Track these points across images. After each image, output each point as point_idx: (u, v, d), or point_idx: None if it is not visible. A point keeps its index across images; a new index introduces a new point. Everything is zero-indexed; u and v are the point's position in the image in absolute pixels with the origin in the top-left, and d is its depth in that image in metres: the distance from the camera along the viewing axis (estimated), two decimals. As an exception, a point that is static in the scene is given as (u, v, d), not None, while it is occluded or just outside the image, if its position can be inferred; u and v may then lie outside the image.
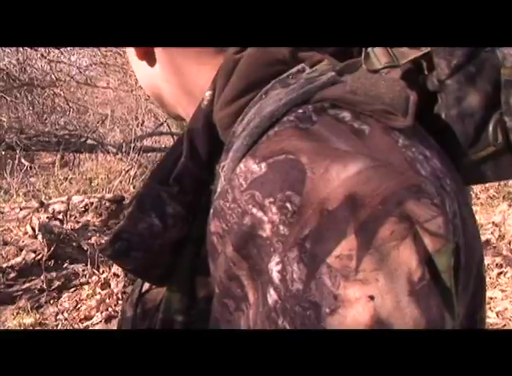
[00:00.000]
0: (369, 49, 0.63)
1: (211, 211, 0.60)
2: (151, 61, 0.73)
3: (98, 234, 5.33)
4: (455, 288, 0.54)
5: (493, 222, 4.74)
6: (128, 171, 7.46)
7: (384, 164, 0.53)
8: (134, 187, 7.13)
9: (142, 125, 9.65)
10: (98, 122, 9.73)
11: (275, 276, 0.51)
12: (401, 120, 0.57)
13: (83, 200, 5.83)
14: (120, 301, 4.39)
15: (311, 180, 0.52)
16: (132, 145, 7.81)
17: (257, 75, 0.65)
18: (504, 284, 4.06)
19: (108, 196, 6.02)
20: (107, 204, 5.84)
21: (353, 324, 0.49)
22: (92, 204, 5.78)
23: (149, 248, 0.70)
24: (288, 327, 0.50)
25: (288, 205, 0.51)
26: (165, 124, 9.54)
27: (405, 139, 0.57)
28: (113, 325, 4.02)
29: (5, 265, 4.66)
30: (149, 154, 8.79)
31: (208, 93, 0.68)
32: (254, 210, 0.53)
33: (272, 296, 0.51)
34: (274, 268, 0.51)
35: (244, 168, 0.56)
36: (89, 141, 8.59)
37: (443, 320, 0.52)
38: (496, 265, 4.18)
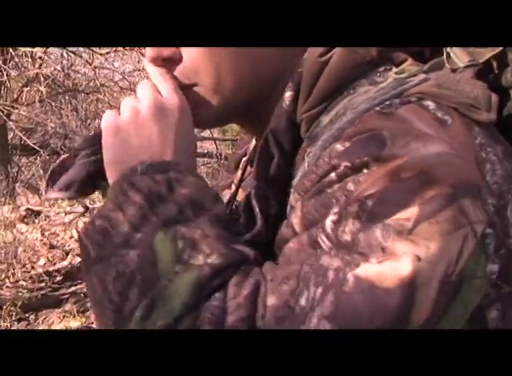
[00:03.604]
0: (449, 49, 0.65)
1: (292, 189, 0.64)
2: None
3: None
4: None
5: None
6: (171, 176, 7.48)
7: (460, 156, 0.55)
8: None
9: (184, 130, 9.68)
10: (140, 127, 9.81)
11: (328, 225, 0.54)
12: (485, 114, 0.59)
13: (127, 205, 5.87)
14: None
15: (390, 148, 0.54)
16: (175, 150, 7.83)
17: (346, 76, 0.67)
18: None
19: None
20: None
21: (391, 271, 0.50)
22: (137, 208, 5.80)
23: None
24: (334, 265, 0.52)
25: (364, 170, 0.54)
26: (207, 130, 9.56)
27: (483, 138, 0.58)
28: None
29: (51, 269, 4.71)
30: (192, 159, 8.81)
31: (289, 94, 0.69)
32: (329, 171, 0.56)
33: (325, 243, 0.54)
34: (330, 217, 0.54)
35: (329, 150, 0.59)
36: (132, 146, 8.65)
37: (457, 323, 0.53)
38: None
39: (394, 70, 0.67)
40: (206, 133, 9.70)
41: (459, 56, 0.63)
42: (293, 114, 0.69)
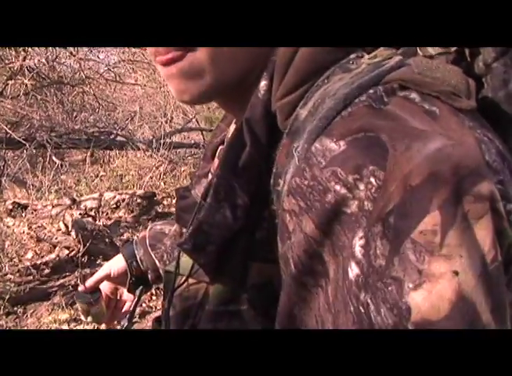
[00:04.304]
0: None
1: (285, 188, 0.60)
2: None
3: (130, 230, 5.35)
4: None
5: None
6: (158, 167, 7.48)
7: (459, 143, 0.54)
8: (164, 183, 7.16)
9: (170, 122, 9.66)
10: (127, 119, 9.76)
11: (358, 251, 0.52)
12: (466, 101, 0.59)
13: (114, 197, 5.86)
14: (154, 297, 4.40)
15: (393, 156, 0.53)
16: (162, 141, 7.83)
17: (318, 62, 0.66)
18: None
19: (139, 192, 6.04)
20: (138, 200, 5.86)
21: (437, 299, 0.49)
22: (124, 200, 5.80)
23: (222, 241, 0.69)
24: (369, 302, 0.51)
25: (372, 180, 0.52)
26: (194, 120, 9.56)
27: (470, 121, 0.58)
28: (148, 320, 4.04)
29: (39, 262, 4.70)
30: (178, 150, 8.82)
31: (264, 83, 0.68)
32: (337, 187, 0.54)
33: (353, 270, 0.52)
34: (357, 242, 0.52)
35: (321, 147, 0.57)
36: (119, 138, 8.63)
37: (505, 305, 0.52)
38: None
39: (367, 56, 0.66)
40: (193, 124, 9.70)
41: None
42: (268, 103, 0.68)
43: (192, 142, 9.27)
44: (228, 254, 0.70)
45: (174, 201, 6.41)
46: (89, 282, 1.34)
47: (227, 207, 0.68)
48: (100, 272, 1.35)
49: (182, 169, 7.80)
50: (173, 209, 6.09)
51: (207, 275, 0.75)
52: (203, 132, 9.37)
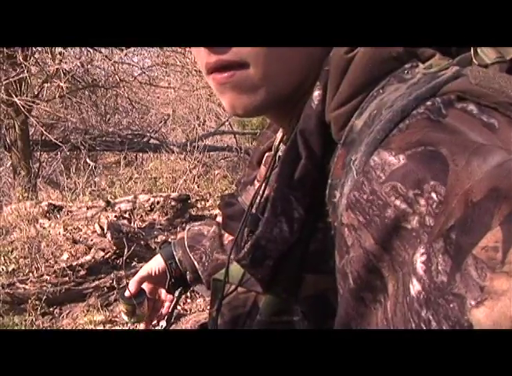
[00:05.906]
0: None
1: (343, 201, 0.59)
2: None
3: (165, 233, 5.37)
4: None
5: None
6: (191, 170, 7.51)
7: None
8: (198, 186, 7.18)
9: (203, 125, 9.72)
10: (160, 122, 9.85)
11: (420, 267, 0.51)
12: None
13: (149, 199, 5.88)
14: (188, 300, 4.41)
15: (454, 171, 0.52)
16: (195, 144, 7.86)
17: (373, 72, 0.65)
18: None
19: (173, 195, 6.05)
20: (173, 203, 5.87)
21: (499, 317, 0.47)
22: (158, 203, 5.82)
23: (279, 255, 0.69)
24: (431, 319, 0.49)
25: (433, 195, 0.51)
26: (227, 124, 9.60)
27: None
28: (182, 323, 4.04)
29: (75, 263, 4.74)
30: (211, 153, 8.86)
31: (317, 93, 0.67)
32: (398, 202, 0.53)
33: (415, 287, 0.51)
34: (418, 259, 0.51)
35: (380, 160, 0.56)
36: (152, 141, 8.70)
37: None
38: None
39: (422, 66, 0.65)
40: (226, 127, 9.74)
41: (486, 52, 0.62)
42: (322, 114, 0.67)
43: (226, 145, 9.33)
44: (283, 266, 0.70)
45: (207, 204, 6.46)
46: (132, 284, 1.34)
47: (284, 221, 0.68)
48: (141, 273, 1.35)
49: (216, 172, 7.83)
50: (206, 212, 6.13)
51: (261, 287, 0.75)
52: (236, 135, 9.41)
